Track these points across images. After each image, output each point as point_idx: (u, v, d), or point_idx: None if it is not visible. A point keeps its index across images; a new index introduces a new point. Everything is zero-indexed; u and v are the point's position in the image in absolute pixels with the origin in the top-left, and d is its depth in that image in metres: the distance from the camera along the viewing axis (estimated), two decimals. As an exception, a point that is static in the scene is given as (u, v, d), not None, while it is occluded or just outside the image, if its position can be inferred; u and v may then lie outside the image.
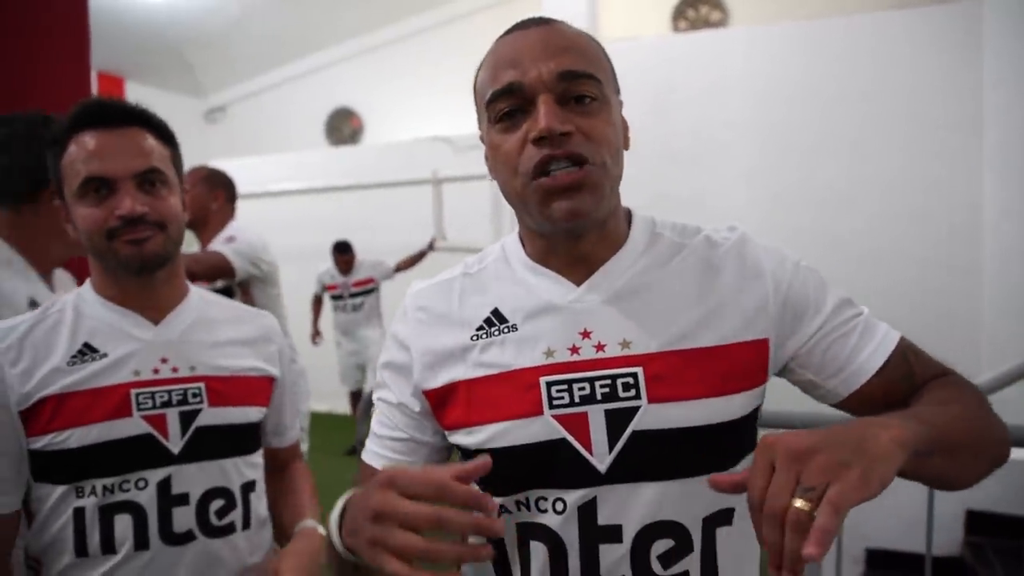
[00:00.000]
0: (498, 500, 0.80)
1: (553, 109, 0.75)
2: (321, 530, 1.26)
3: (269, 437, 1.35)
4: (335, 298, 5.86)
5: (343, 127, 9.01)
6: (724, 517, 0.81)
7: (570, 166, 0.75)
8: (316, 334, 5.93)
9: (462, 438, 0.84)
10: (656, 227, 0.89)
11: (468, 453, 0.84)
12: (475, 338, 0.84)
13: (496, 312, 0.85)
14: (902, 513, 2.77)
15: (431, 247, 5.82)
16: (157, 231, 1.12)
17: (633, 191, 4.86)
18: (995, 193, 4.89)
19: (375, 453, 0.89)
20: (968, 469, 0.78)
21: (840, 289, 0.87)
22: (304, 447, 2.53)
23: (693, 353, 0.80)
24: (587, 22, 6.23)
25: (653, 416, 0.77)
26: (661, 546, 0.78)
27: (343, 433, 5.89)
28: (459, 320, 0.86)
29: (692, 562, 0.79)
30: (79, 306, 1.15)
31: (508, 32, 0.82)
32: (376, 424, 0.91)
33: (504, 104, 0.77)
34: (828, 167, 5.59)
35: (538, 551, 0.80)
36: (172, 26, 7.59)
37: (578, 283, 0.83)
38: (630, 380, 0.78)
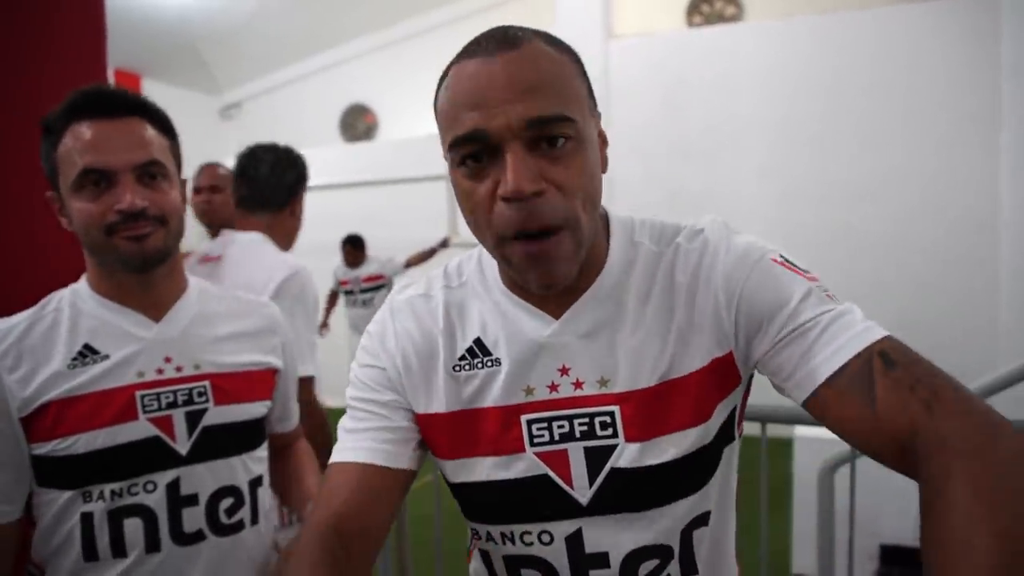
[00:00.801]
0: (485, 527, 0.82)
1: (522, 164, 0.68)
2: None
3: (274, 424, 1.33)
4: (347, 293, 5.90)
5: (358, 123, 9.03)
6: (701, 520, 0.82)
7: (544, 235, 0.70)
8: (323, 325, 5.96)
9: (446, 471, 0.84)
10: (635, 234, 0.84)
11: (450, 485, 0.85)
12: (457, 368, 0.82)
13: (479, 342, 0.82)
14: (916, 509, 2.75)
15: (444, 245, 5.83)
16: (158, 226, 1.07)
17: (647, 187, 4.89)
18: (1012, 185, 4.84)
19: (354, 448, 0.81)
20: None
21: (810, 280, 0.76)
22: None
23: (666, 387, 0.78)
24: (601, 17, 6.21)
25: (630, 454, 0.77)
26: (647, 567, 0.79)
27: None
28: (442, 350, 0.83)
29: (673, 567, 0.80)
30: (76, 304, 1.11)
31: (470, 52, 0.73)
32: (352, 421, 0.83)
33: (468, 149, 0.71)
34: (843, 161, 5.55)
35: None
36: (188, 23, 7.63)
37: (555, 314, 0.80)
38: (607, 419, 0.78)
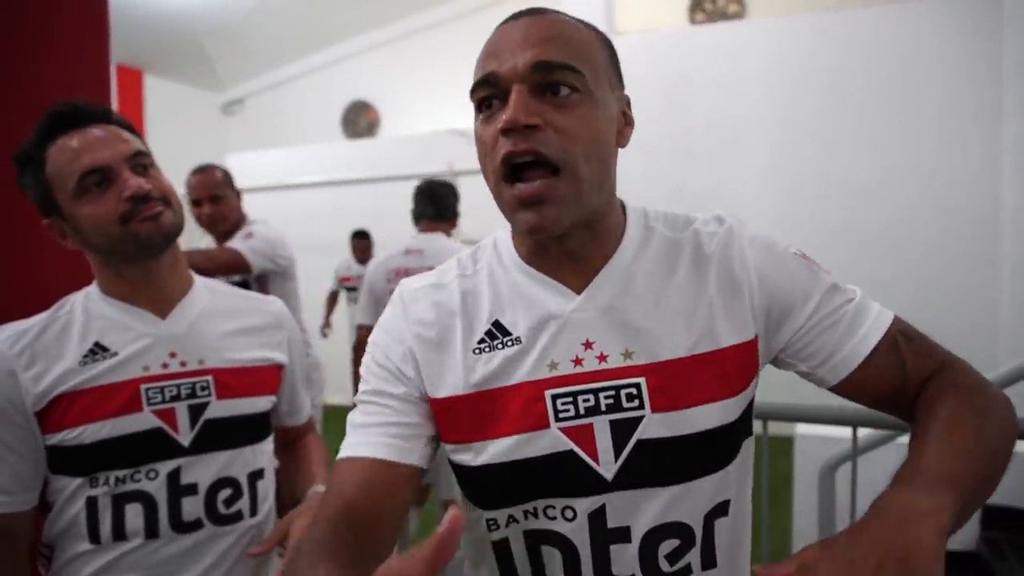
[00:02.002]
0: (504, 512, 0.81)
1: (523, 100, 0.72)
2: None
3: (283, 418, 1.36)
4: (349, 290, 5.91)
5: (359, 120, 9.04)
6: (722, 509, 0.83)
7: (535, 167, 0.73)
8: (326, 325, 5.99)
9: (466, 456, 0.82)
10: (649, 220, 0.87)
11: (468, 471, 0.83)
12: (477, 351, 0.82)
13: (497, 324, 0.82)
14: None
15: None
16: (165, 206, 1.12)
17: (649, 184, 4.88)
18: (1015, 183, 4.83)
19: (363, 443, 0.80)
20: (990, 492, 0.74)
21: (828, 273, 0.86)
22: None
23: (692, 360, 0.80)
24: (604, 14, 6.20)
25: (656, 425, 0.78)
26: (668, 546, 0.80)
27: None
28: (460, 333, 0.83)
29: (694, 555, 0.81)
30: (87, 307, 1.16)
31: (503, 23, 0.80)
32: (363, 417, 0.83)
33: (483, 93, 0.76)
34: (846, 159, 5.55)
35: (552, 555, 0.81)
36: (190, 19, 7.63)
37: (576, 288, 0.81)
38: (633, 391, 0.79)
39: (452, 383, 0.82)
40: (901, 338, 0.83)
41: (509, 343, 0.81)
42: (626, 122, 0.83)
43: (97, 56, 1.69)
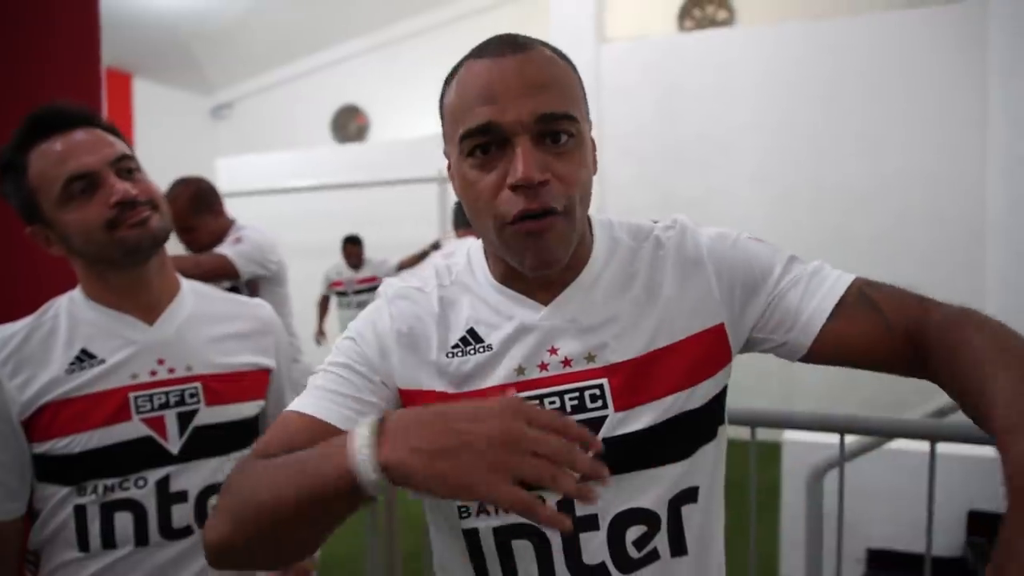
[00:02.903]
0: (476, 510, 0.83)
1: (531, 156, 0.74)
2: None
3: (271, 421, 1.35)
4: (340, 295, 5.91)
5: (349, 124, 9.03)
6: (689, 496, 0.85)
7: (541, 216, 0.75)
8: (320, 333, 5.97)
9: None
10: (614, 232, 0.91)
11: None
12: (451, 355, 0.85)
13: (472, 332, 0.86)
14: (903, 513, 2.77)
15: (435, 247, 5.84)
16: (152, 210, 1.11)
17: (639, 191, 4.89)
18: (999, 190, 4.88)
19: (322, 407, 0.81)
20: None
21: (786, 251, 0.89)
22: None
23: (651, 356, 0.83)
24: (593, 21, 6.22)
25: (620, 422, 0.82)
26: (634, 532, 0.82)
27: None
28: (436, 339, 0.86)
29: (660, 540, 0.83)
30: (72, 311, 1.14)
31: (480, 53, 0.79)
32: (326, 381, 0.84)
33: (479, 141, 0.76)
34: (835, 166, 5.59)
35: (523, 548, 0.83)
36: (179, 22, 7.61)
37: (544, 303, 0.85)
38: (596, 391, 0.82)
39: (426, 380, 0.85)
40: (868, 288, 0.84)
41: (481, 349, 0.85)
42: (592, 147, 0.85)
43: (87, 59, 1.68)
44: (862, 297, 0.83)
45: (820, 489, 2.10)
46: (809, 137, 5.66)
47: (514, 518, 0.82)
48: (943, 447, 1.63)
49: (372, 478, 0.60)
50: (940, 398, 2.43)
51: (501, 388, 0.83)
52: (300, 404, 0.82)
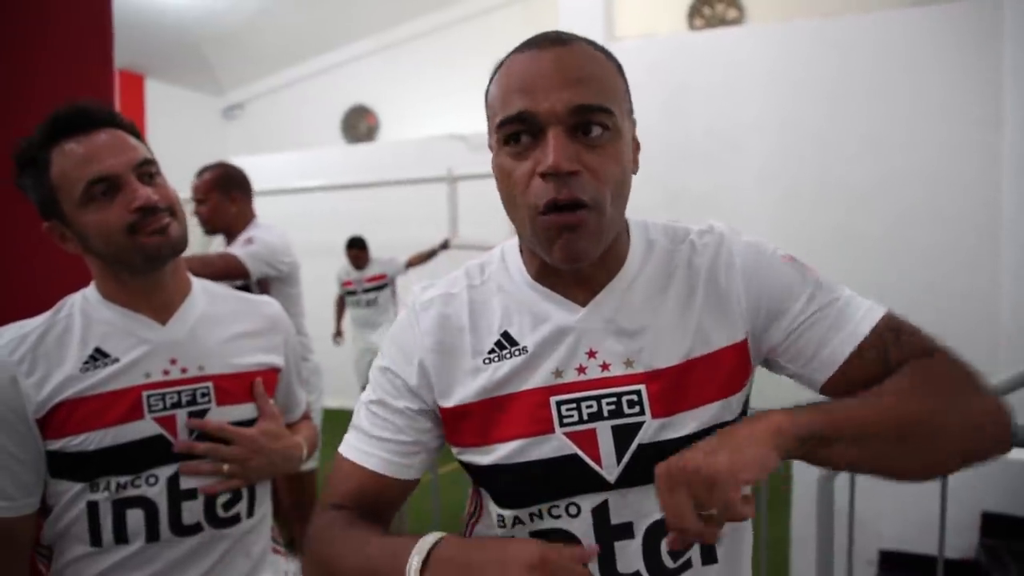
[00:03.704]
0: (511, 513, 0.85)
1: (562, 144, 0.75)
2: (304, 447, 1.32)
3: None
4: (349, 294, 5.96)
5: (359, 124, 9.05)
6: None
7: (572, 209, 0.76)
8: (338, 334, 6.01)
9: (474, 457, 0.86)
10: (650, 233, 0.91)
11: (476, 469, 0.87)
12: (487, 361, 0.86)
13: (506, 335, 0.86)
14: (916, 515, 2.76)
15: (444, 246, 5.85)
16: (171, 217, 1.12)
17: (647, 189, 4.85)
18: (1014, 189, 4.84)
19: (368, 453, 0.88)
20: (909, 459, 0.75)
21: (816, 273, 0.87)
22: (318, 445, 2.56)
23: (689, 365, 0.83)
24: (603, 20, 6.22)
25: (656, 429, 0.81)
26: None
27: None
28: (469, 344, 0.87)
29: (694, 551, 0.84)
30: (86, 310, 1.15)
31: (523, 47, 0.80)
32: (369, 425, 0.89)
33: (514, 129, 0.77)
34: (844, 164, 5.56)
35: None
36: (192, 24, 7.65)
37: (582, 303, 0.85)
38: (634, 397, 0.82)
39: (462, 392, 0.86)
40: (889, 333, 0.82)
41: (517, 352, 0.85)
42: (635, 147, 0.86)
43: (100, 60, 1.69)
44: (879, 343, 0.82)
45: (831, 489, 2.09)
46: (817, 135, 5.64)
47: (549, 523, 0.84)
48: (956, 448, 1.61)
49: None
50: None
51: (539, 392, 0.84)
52: (352, 451, 0.90)
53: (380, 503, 0.88)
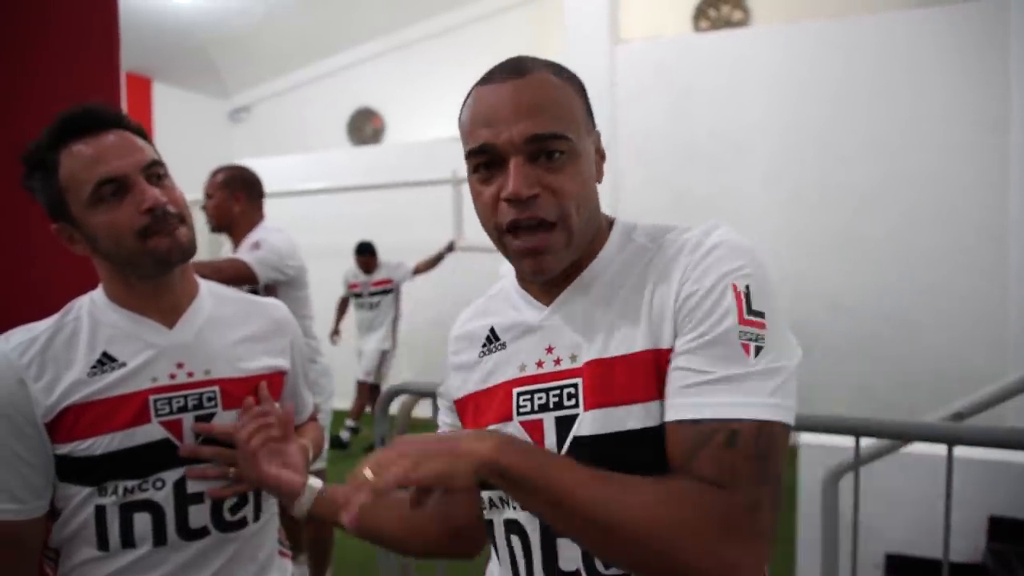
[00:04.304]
0: (485, 494, 0.93)
1: (521, 172, 0.81)
2: (310, 450, 1.31)
3: None
4: (355, 296, 6.03)
5: (365, 127, 9.06)
6: None
7: (535, 227, 0.83)
8: (335, 332, 6.05)
9: None
10: (633, 234, 0.92)
11: None
12: (481, 355, 0.98)
13: (492, 331, 0.98)
14: (922, 518, 2.75)
15: (450, 249, 5.87)
16: (180, 222, 1.12)
17: (652, 191, 4.87)
18: (1021, 192, 4.83)
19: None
20: (591, 541, 0.74)
21: (751, 327, 0.76)
22: (324, 447, 2.55)
23: (628, 359, 0.82)
24: (608, 22, 6.22)
25: (588, 422, 0.83)
26: None
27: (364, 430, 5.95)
28: (479, 341, 1.00)
29: None
30: (94, 314, 1.15)
31: (486, 79, 0.87)
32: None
33: (480, 160, 0.85)
34: (850, 167, 5.55)
35: (515, 542, 0.90)
36: (198, 27, 7.68)
37: (547, 303, 0.92)
38: (572, 390, 0.86)
39: (467, 382, 0.99)
40: (722, 437, 0.73)
41: (498, 348, 0.96)
42: (600, 157, 0.92)
43: (107, 64, 1.70)
44: (704, 438, 0.73)
45: (836, 493, 2.09)
46: (823, 137, 5.63)
47: (507, 512, 0.90)
48: (964, 452, 1.61)
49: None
50: (957, 402, 2.41)
51: (507, 383, 0.92)
52: None
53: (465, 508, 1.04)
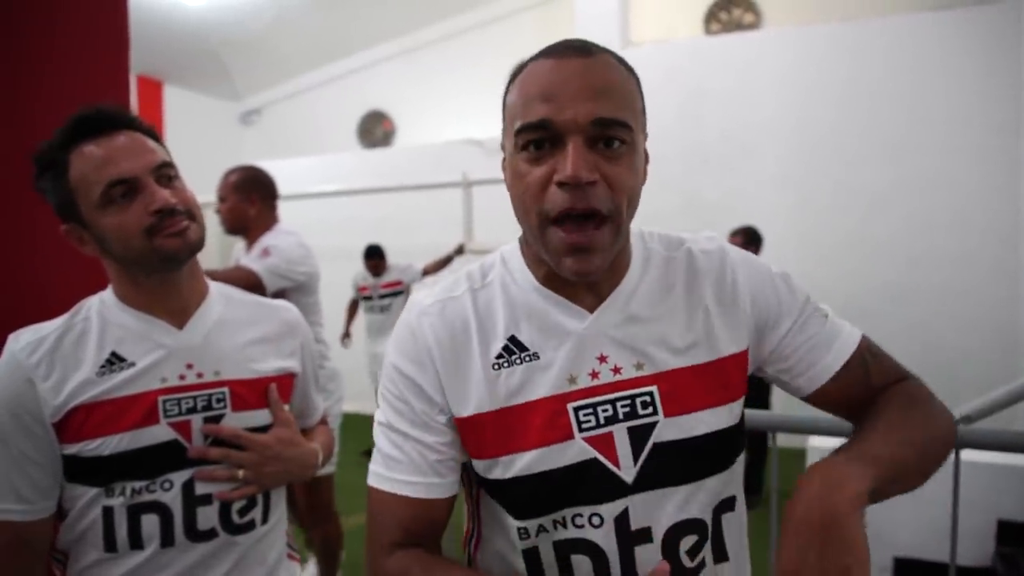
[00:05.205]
0: (535, 522, 0.85)
1: (582, 155, 0.76)
2: (320, 453, 1.32)
3: (297, 422, 1.35)
4: (365, 299, 6.02)
5: (375, 129, 9.09)
6: (728, 504, 0.90)
7: (584, 219, 0.77)
8: (346, 335, 6.06)
9: (496, 470, 0.85)
10: (647, 242, 0.93)
11: (493, 483, 0.86)
12: (496, 367, 0.85)
13: (514, 339, 0.86)
14: (931, 522, 2.73)
15: (459, 251, 5.87)
16: (190, 220, 1.13)
17: (663, 193, 4.86)
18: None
19: (405, 482, 0.86)
20: (916, 481, 0.84)
21: (804, 291, 0.94)
22: (334, 450, 2.56)
23: (696, 369, 0.87)
24: (618, 25, 6.22)
25: (669, 428, 0.84)
26: (687, 542, 0.85)
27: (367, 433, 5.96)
28: (476, 347, 0.86)
29: (707, 550, 0.87)
30: (103, 314, 1.15)
31: (546, 54, 0.81)
32: (389, 447, 0.87)
33: (533, 136, 0.78)
34: (861, 170, 5.52)
35: (581, 563, 0.84)
36: (209, 30, 7.72)
37: (589, 308, 0.87)
38: (647, 398, 0.85)
39: (476, 401, 0.85)
40: (868, 355, 0.92)
41: (527, 358, 0.85)
42: (646, 159, 0.87)
43: (117, 67, 1.71)
44: (862, 363, 0.91)
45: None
46: (832, 140, 5.61)
47: (572, 533, 0.84)
48: (973, 455, 1.61)
49: None
50: (965, 405, 2.39)
51: (556, 399, 0.84)
52: (380, 480, 0.87)
53: (433, 528, 0.88)
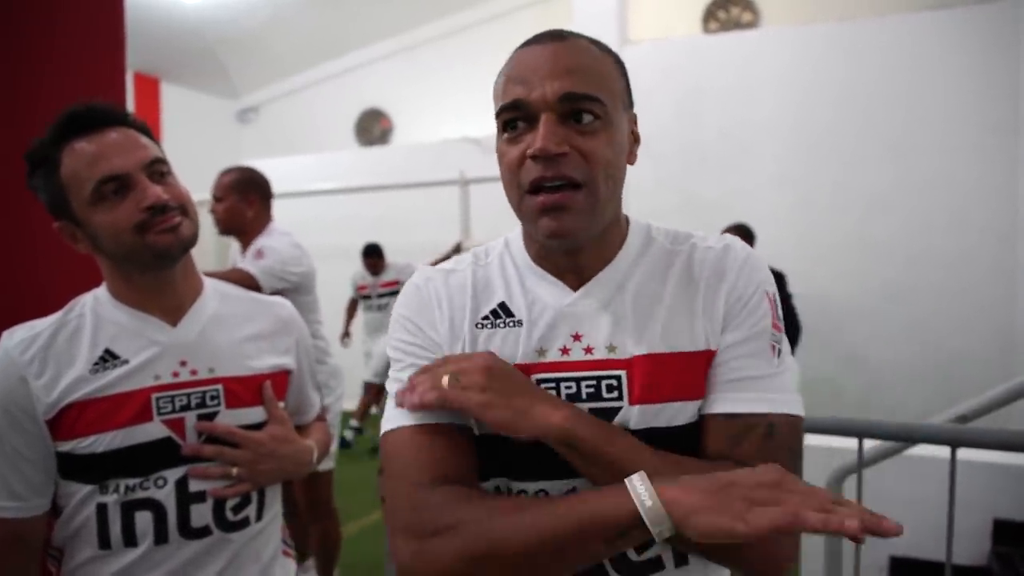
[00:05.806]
0: (494, 481, 0.86)
1: (551, 129, 0.79)
2: (315, 451, 1.31)
3: (292, 419, 1.35)
4: (364, 298, 6.05)
5: (373, 128, 9.08)
6: None
7: (559, 187, 0.79)
8: (346, 335, 6.07)
9: (472, 424, 0.86)
10: (652, 232, 0.93)
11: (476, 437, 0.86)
12: (480, 326, 0.88)
13: (503, 306, 0.89)
14: (927, 521, 2.73)
15: (457, 250, 5.88)
16: (182, 216, 1.11)
17: (661, 192, 4.87)
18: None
19: (427, 413, 0.83)
20: None
21: (776, 332, 0.86)
22: (332, 447, 2.55)
23: (668, 358, 0.84)
24: (617, 23, 6.21)
25: (633, 416, 0.82)
26: None
27: (369, 431, 5.96)
28: (468, 311, 0.89)
29: (665, 550, 0.84)
30: (97, 311, 1.15)
31: (527, 43, 0.85)
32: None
33: (510, 116, 0.82)
34: (860, 169, 5.53)
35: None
36: (206, 27, 7.71)
37: (575, 287, 0.88)
38: (614, 382, 0.83)
39: (459, 351, 0.88)
40: (763, 429, 0.82)
41: (511, 323, 0.88)
42: (634, 140, 0.89)
43: (113, 65, 1.71)
44: (746, 428, 0.82)
45: (840, 492, 2.08)
46: (832, 140, 5.61)
47: None
48: (968, 454, 1.61)
49: (661, 513, 0.68)
50: (962, 404, 2.40)
51: (522, 368, 0.84)
52: (403, 418, 0.84)
53: (464, 461, 0.84)
